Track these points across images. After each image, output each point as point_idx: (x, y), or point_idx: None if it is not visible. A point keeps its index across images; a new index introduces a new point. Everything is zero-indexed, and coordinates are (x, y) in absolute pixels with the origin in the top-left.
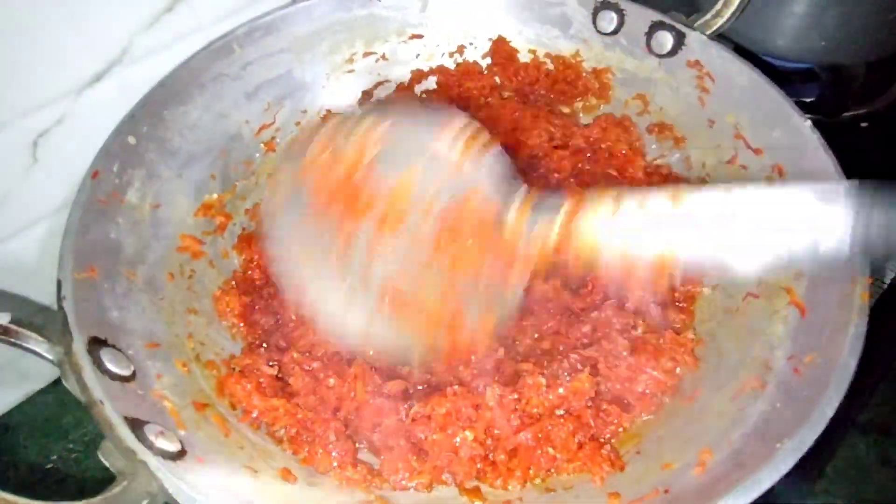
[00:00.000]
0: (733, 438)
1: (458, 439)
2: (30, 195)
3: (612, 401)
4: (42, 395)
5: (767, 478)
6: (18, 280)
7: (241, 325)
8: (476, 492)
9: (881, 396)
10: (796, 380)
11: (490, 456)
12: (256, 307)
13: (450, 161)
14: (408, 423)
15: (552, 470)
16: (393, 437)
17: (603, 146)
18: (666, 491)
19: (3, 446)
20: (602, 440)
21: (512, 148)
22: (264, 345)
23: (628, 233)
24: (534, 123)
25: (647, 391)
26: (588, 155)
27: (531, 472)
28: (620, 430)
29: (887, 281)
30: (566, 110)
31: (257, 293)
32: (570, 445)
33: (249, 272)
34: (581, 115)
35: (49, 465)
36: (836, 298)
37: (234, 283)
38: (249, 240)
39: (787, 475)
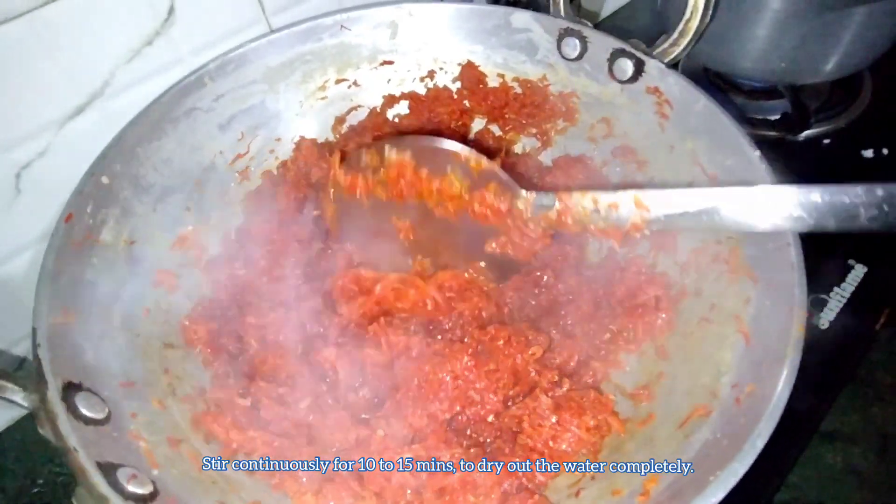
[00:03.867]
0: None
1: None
2: (14, 226)
3: (541, 452)
4: (29, 420)
5: None
6: (3, 307)
7: (208, 351)
8: None
9: (848, 407)
10: (736, 409)
11: (420, 490)
12: (222, 331)
13: (471, 166)
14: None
15: None
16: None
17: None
18: None
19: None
20: (530, 488)
21: None
22: (230, 371)
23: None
24: None
25: (570, 449)
26: None
27: None
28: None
29: (847, 293)
30: (534, 131)
31: (223, 316)
32: (493, 493)
33: (216, 295)
34: (554, 136)
35: (36, 490)
36: (776, 328)
37: (200, 308)
38: (217, 262)
39: (750, 483)
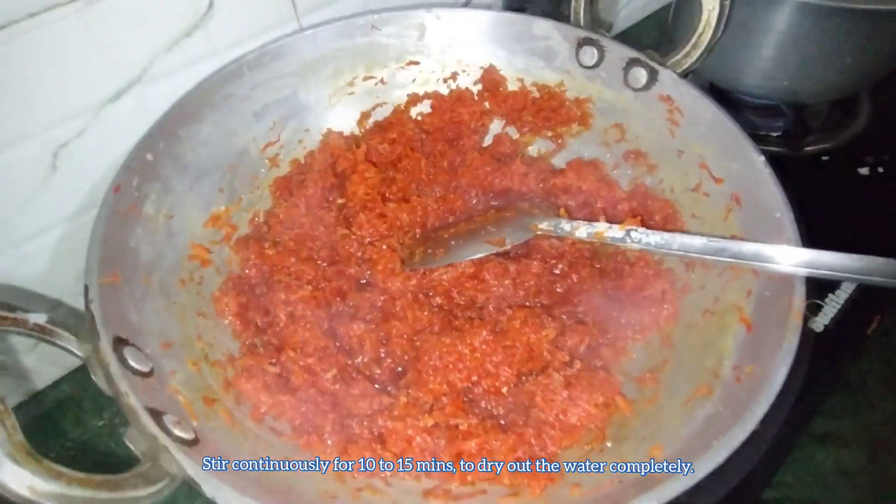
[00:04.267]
0: (681, 436)
1: (410, 431)
2: (47, 202)
3: (553, 424)
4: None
5: (702, 469)
6: (31, 280)
7: (238, 322)
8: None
9: (840, 411)
10: (737, 387)
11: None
12: (250, 305)
13: None
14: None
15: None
16: (359, 427)
17: (583, 188)
18: (620, 481)
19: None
20: (543, 457)
21: (501, 193)
22: (258, 342)
23: None
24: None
25: (580, 423)
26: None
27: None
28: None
29: (841, 299)
30: (550, 134)
31: (251, 292)
32: (507, 460)
33: (246, 271)
34: (568, 139)
35: (86, 438)
36: (776, 317)
37: (230, 283)
38: (247, 241)
39: (742, 482)
